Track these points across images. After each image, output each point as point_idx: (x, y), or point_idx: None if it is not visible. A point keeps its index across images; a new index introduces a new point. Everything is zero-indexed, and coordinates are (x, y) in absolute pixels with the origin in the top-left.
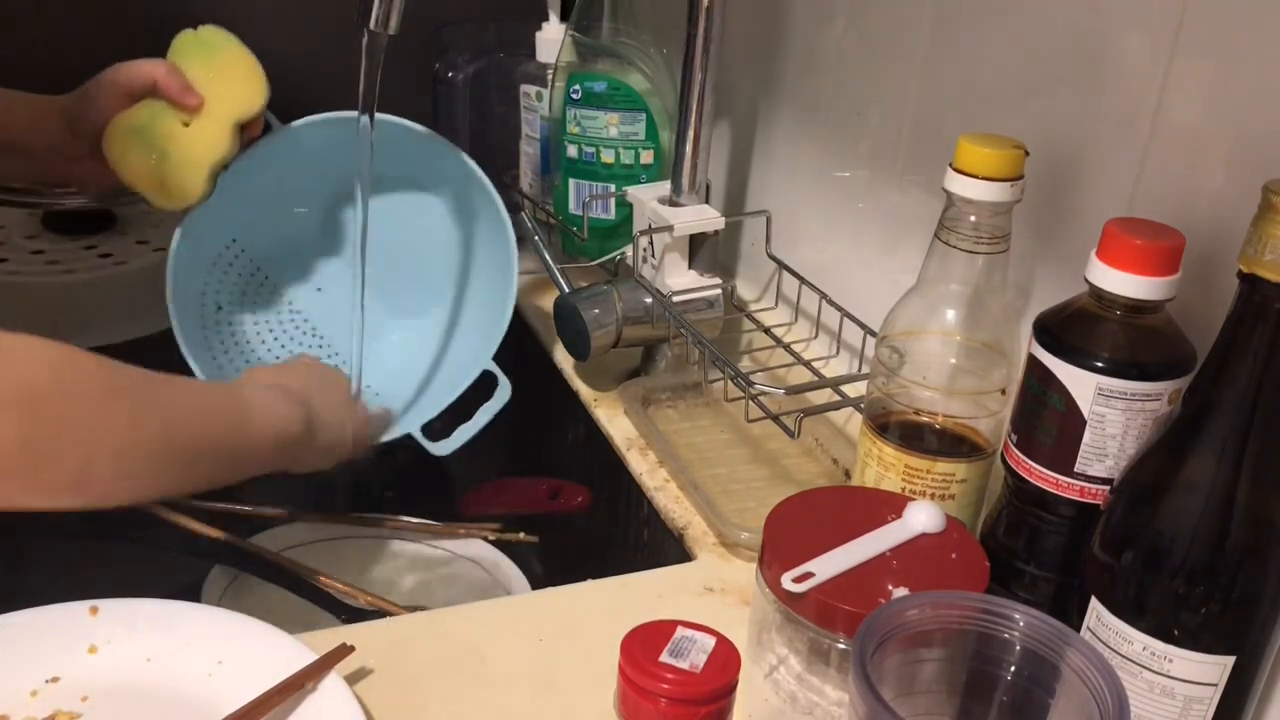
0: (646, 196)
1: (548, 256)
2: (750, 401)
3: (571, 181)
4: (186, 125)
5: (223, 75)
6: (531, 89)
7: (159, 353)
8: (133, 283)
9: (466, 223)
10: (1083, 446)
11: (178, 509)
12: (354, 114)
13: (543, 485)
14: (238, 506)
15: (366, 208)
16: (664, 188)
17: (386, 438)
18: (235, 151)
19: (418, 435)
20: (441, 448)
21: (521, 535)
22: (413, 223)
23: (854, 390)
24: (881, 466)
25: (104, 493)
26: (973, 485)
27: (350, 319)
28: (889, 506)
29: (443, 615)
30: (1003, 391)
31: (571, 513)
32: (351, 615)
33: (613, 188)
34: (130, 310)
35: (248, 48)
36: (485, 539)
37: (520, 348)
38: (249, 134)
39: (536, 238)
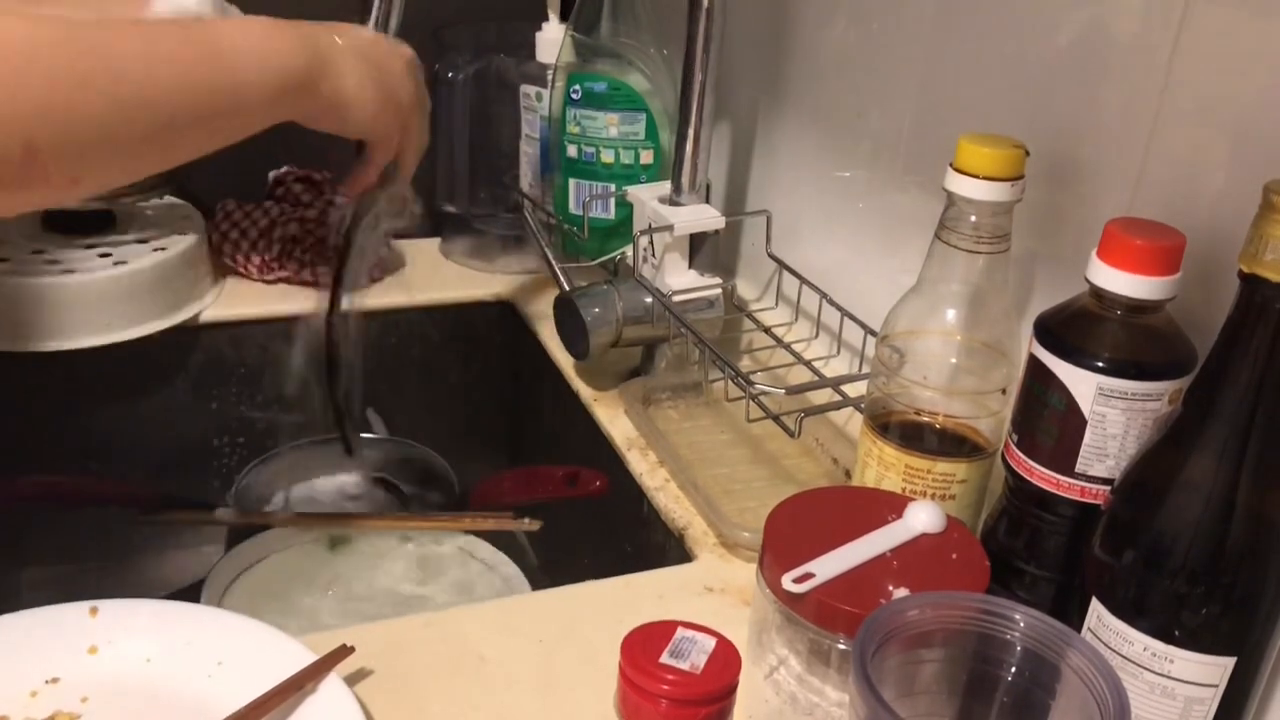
0: (646, 196)
1: (550, 255)
2: (750, 401)
3: (571, 181)
4: None
5: None
6: (531, 89)
7: (159, 353)
8: (133, 283)
9: None
10: (1083, 446)
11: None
12: None
13: (559, 472)
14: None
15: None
16: (664, 188)
17: None
18: None
19: None
20: None
21: (526, 521)
22: None
23: (854, 390)
24: (882, 466)
25: (64, 178)
26: (973, 485)
27: None
28: (889, 506)
29: (443, 615)
30: (1003, 391)
31: (590, 497)
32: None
33: (613, 188)
34: (130, 310)
35: None
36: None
37: (520, 347)
38: None
39: (538, 238)
